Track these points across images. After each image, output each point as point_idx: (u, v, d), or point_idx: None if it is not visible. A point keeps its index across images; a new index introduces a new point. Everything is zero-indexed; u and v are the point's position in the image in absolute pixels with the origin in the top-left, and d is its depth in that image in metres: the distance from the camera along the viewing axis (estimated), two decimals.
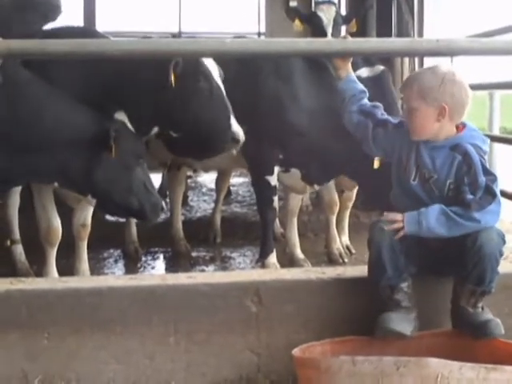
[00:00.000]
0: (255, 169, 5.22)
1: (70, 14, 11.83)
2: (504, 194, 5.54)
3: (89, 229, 4.81)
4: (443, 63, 3.57)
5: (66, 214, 4.73)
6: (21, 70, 4.03)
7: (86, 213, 4.77)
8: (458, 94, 3.32)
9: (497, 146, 7.75)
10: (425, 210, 3.25)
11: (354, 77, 3.78)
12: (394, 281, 3.30)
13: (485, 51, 3.54)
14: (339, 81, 3.83)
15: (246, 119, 4.83)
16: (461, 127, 3.39)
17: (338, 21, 7.14)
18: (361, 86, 3.76)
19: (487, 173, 3.28)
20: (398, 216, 3.29)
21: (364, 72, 5.20)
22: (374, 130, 3.60)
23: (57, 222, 4.61)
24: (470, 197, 3.23)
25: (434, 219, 3.23)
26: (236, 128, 4.39)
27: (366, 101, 3.71)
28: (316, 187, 5.12)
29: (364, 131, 3.63)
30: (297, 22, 7.37)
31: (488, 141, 3.44)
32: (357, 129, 3.69)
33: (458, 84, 3.33)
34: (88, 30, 6.39)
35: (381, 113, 3.66)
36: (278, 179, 5.29)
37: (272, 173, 5.05)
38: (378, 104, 3.72)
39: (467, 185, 3.25)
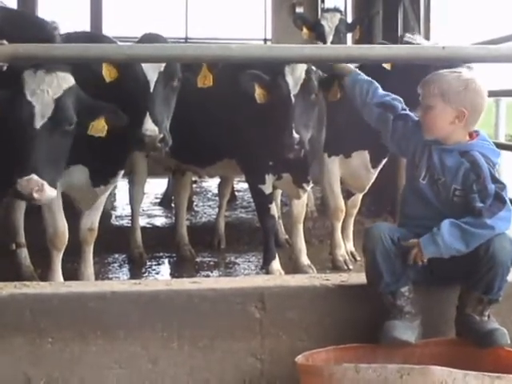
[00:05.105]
0: (249, 178, 5.29)
1: (77, 19, 11.96)
2: None
3: (96, 233, 4.80)
4: (465, 69, 3.57)
5: (72, 218, 4.73)
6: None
7: (94, 217, 4.78)
8: (477, 102, 3.33)
9: (503, 153, 7.72)
10: (436, 230, 3.23)
11: (357, 70, 3.87)
12: (393, 286, 3.29)
13: (491, 58, 3.54)
14: (346, 77, 3.88)
15: (236, 131, 4.87)
16: (474, 135, 3.39)
17: (340, 29, 7.14)
18: (367, 78, 3.79)
19: (496, 181, 3.27)
20: (414, 241, 3.28)
21: None
22: (394, 122, 3.58)
23: (64, 227, 4.59)
24: (480, 205, 3.22)
25: (447, 234, 3.20)
26: (146, 126, 4.09)
27: (381, 91, 3.70)
28: (306, 188, 5.13)
29: (385, 124, 3.61)
30: (305, 29, 7.40)
31: (500, 154, 3.43)
32: (377, 122, 3.67)
33: (480, 93, 3.34)
34: (95, 35, 6.41)
35: (402, 107, 3.64)
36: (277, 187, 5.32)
37: (264, 182, 5.08)
38: (399, 98, 3.71)
39: (476, 192, 3.24)
